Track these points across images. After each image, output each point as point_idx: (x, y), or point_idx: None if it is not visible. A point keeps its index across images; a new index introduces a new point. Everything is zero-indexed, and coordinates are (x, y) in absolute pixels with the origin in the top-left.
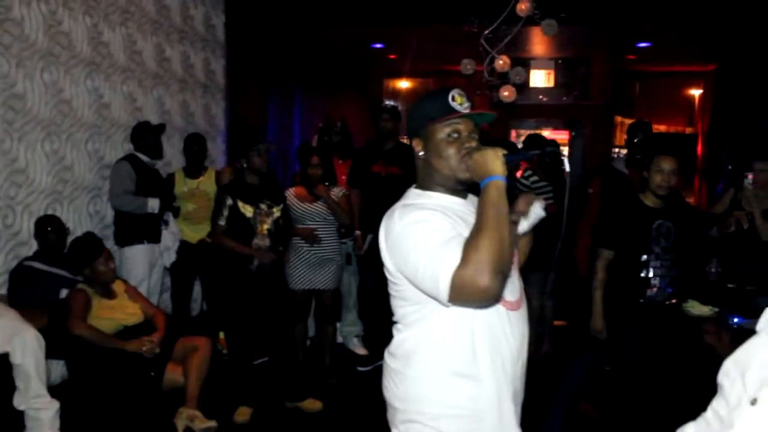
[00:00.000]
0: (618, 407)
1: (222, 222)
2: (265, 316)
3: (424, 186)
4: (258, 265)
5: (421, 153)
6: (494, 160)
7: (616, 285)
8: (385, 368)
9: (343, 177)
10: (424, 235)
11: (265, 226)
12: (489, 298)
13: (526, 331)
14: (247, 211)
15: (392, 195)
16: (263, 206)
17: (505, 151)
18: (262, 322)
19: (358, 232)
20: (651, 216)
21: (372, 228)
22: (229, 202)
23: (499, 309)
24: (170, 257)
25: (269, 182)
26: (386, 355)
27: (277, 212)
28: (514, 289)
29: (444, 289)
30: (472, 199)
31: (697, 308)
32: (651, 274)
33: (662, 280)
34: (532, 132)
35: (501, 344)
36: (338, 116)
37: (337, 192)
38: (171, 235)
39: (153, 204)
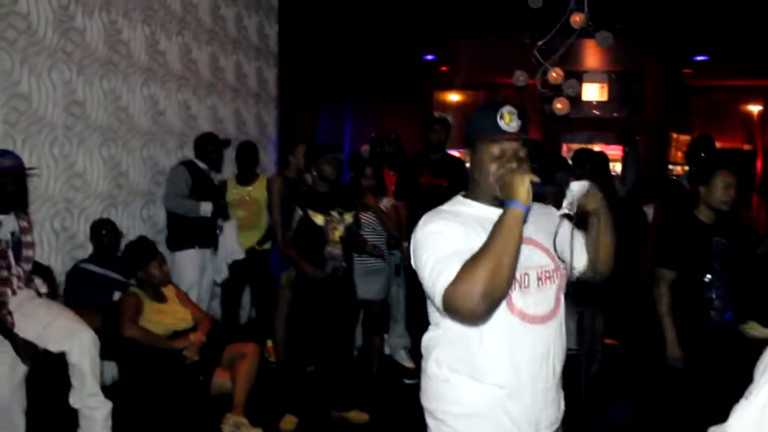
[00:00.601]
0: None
1: (290, 233)
2: (328, 324)
3: (470, 195)
4: (330, 272)
5: (467, 164)
6: (519, 187)
7: (677, 308)
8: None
9: (392, 188)
10: (435, 245)
11: (338, 234)
12: (475, 320)
13: (556, 345)
14: (318, 219)
15: (439, 206)
16: (334, 213)
17: (534, 178)
18: (323, 329)
19: (405, 244)
20: (708, 232)
21: None
22: (299, 212)
23: (512, 321)
24: (221, 274)
25: (338, 189)
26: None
27: (349, 218)
28: (542, 301)
29: (438, 301)
30: None
31: (758, 330)
32: (714, 295)
33: (723, 301)
34: (582, 147)
35: (519, 354)
36: (391, 128)
37: (386, 202)
38: (226, 252)
39: (205, 208)
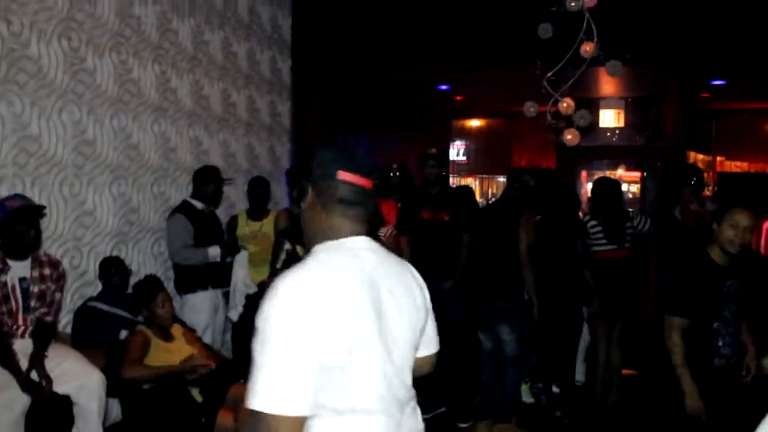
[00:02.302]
0: None
1: (278, 265)
2: None
3: None
4: None
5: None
6: None
7: (687, 354)
8: None
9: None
10: None
11: None
12: None
13: None
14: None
15: (442, 241)
16: None
17: None
18: None
19: None
20: (721, 276)
21: (424, 275)
22: (287, 246)
23: None
24: (236, 310)
25: None
26: None
27: None
28: None
29: None
30: None
31: None
32: (720, 343)
33: (731, 349)
34: (602, 175)
35: None
36: (392, 161)
37: (385, 231)
38: (238, 287)
39: (214, 253)
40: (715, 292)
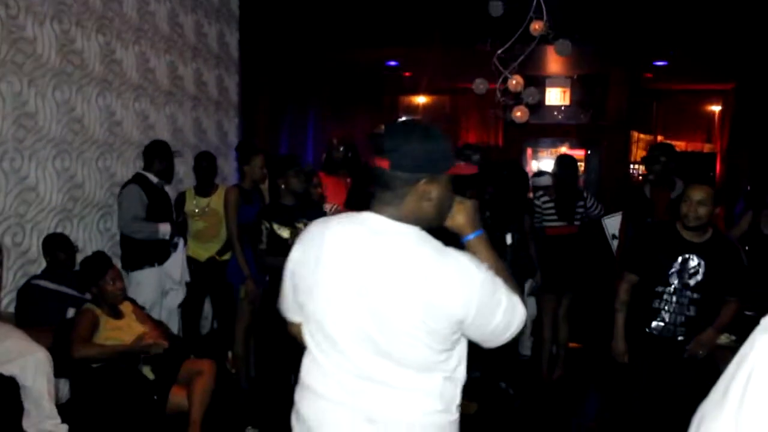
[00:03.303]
0: None
1: (262, 246)
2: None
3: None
4: None
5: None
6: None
7: (631, 311)
8: None
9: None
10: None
11: None
12: None
13: None
14: (284, 232)
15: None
16: (300, 226)
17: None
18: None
19: None
20: (681, 247)
21: None
22: (266, 226)
23: None
24: (179, 296)
25: (306, 201)
26: None
27: None
28: None
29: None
30: None
31: (723, 338)
32: (663, 307)
33: (674, 316)
34: (546, 152)
35: None
36: (342, 137)
37: (329, 207)
38: (177, 275)
39: (164, 230)
40: (666, 258)
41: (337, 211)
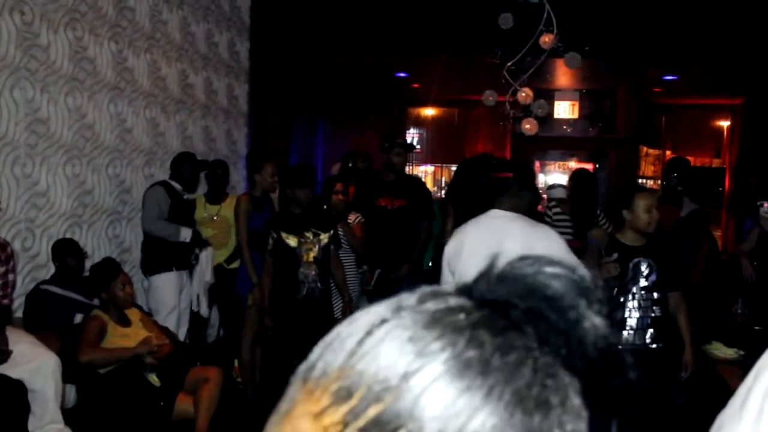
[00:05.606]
0: None
1: (269, 257)
2: (305, 346)
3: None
4: (305, 294)
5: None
6: None
7: None
8: None
9: None
10: None
11: (312, 254)
12: None
13: None
14: (291, 241)
15: (401, 228)
16: (308, 234)
17: None
18: (300, 352)
19: (365, 267)
20: (628, 255)
21: (381, 263)
22: (273, 236)
23: None
24: (202, 306)
25: (315, 210)
26: None
27: (325, 238)
28: None
29: None
30: None
31: (721, 350)
32: (627, 315)
33: (640, 321)
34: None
35: None
36: (366, 144)
37: (353, 219)
38: (203, 283)
39: (186, 234)
40: (621, 269)
41: (360, 222)
